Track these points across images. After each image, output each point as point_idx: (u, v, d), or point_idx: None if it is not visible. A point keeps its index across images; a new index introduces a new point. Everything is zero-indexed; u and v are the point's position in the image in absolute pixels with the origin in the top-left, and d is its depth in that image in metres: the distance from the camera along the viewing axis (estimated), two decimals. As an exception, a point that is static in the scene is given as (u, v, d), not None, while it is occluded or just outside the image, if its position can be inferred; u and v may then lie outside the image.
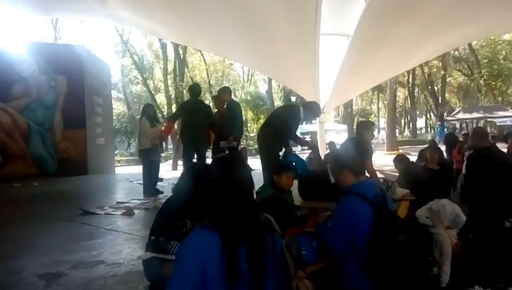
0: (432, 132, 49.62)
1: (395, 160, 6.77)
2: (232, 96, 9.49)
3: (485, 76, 42.32)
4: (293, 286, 2.27)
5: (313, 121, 15.27)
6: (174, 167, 22.56)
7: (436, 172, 6.01)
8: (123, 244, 5.84)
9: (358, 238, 3.11)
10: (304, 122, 6.40)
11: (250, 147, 30.22)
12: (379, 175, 8.11)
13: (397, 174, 6.86)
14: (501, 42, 45.41)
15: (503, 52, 46.34)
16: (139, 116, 10.56)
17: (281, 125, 5.50)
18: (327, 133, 23.51)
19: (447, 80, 46.34)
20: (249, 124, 41.77)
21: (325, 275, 3.31)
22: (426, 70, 41.04)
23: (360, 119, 46.01)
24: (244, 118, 42.11)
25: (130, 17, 9.92)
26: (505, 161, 5.63)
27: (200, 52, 39.50)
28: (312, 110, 5.95)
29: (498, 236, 5.27)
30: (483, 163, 5.24)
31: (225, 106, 8.73)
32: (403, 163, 6.54)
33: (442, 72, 41.44)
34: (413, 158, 7.48)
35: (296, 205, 5.03)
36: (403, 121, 58.84)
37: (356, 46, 11.35)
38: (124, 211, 8.10)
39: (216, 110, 9.59)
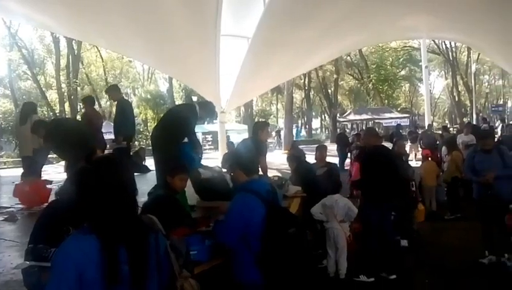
0: (326, 132, 52.28)
1: (288, 159, 7.05)
2: (128, 95, 9.20)
3: (373, 80, 45.64)
4: (178, 286, 2.28)
5: (214, 121, 15.33)
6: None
7: (326, 170, 6.38)
8: (3, 252, 5.43)
9: (252, 233, 3.22)
10: (206, 123, 6.38)
11: (149, 147, 29.41)
12: (275, 173, 8.42)
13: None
14: (388, 49, 49.31)
15: (390, 58, 50.38)
16: (19, 119, 9.10)
17: (176, 125, 5.43)
18: (228, 133, 23.81)
19: (340, 83, 49.08)
20: (149, 124, 40.68)
21: (220, 273, 3.36)
22: (321, 73, 43.07)
23: (259, 120, 47.19)
24: (143, 117, 41.05)
25: (18, 8, 9.20)
26: (393, 158, 6.13)
27: (97, 47, 37.70)
28: (208, 110, 5.96)
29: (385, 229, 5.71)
30: (377, 160, 5.65)
31: (115, 105, 8.42)
32: (295, 162, 6.83)
33: (335, 76, 43.85)
34: (309, 157, 7.82)
35: (192, 204, 5.02)
36: (300, 121, 61.32)
37: (255, 49, 11.64)
38: (6, 216, 7.50)
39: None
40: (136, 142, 33.17)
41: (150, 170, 13.91)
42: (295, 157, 7.23)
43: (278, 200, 3.69)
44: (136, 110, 44.32)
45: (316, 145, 8.30)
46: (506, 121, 26.84)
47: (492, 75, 61.19)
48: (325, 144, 15.76)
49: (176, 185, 4.03)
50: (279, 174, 8.74)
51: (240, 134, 31.58)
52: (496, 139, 9.17)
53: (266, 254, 3.17)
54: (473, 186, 6.29)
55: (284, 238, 3.23)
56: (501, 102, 55.67)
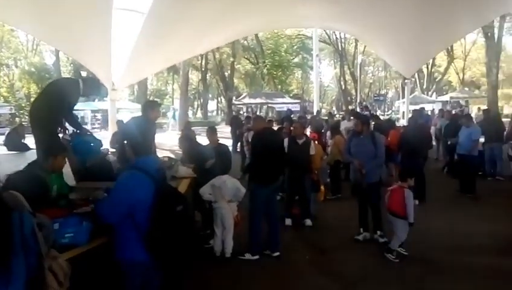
0: (222, 114, 52.58)
1: (179, 140, 6.98)
2: (10, 67, 8.38)
3: (268, 66, 46.72)
4: (46, 266, 2.17)
5: (105, 99, 14.56)
6: None
7: (216, 149, 6.44)
8: None
9: (139, 211, 3.16)
10: (96, 100, 6.04)
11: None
12: (168, 154, 8.28)
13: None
14: (283, 36, 50.74)
15: (285, 45, 51.89)
16: None
17: (57, 100, 5.07)
18: (120, 112, 22.85)
19: (236, 66, 49.58)
20: (31, 99, 37.53)
21: (102, 254, 3.25)
22: (218, 55, 43.01)
23: (154, 99, 45.95)
24: (26, 91, 37.79)
25: None
26: (278, 141, 6.36)
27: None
28: (92, 87, 5.66)
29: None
30: (263, 143, 5.82)
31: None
32: (187, 143, 6.79)
33: (231, 59, 44.12)
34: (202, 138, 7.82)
35: (72, 185, 4.76)
36: (196, 103, 60.90)
37: (151, 25, 11.24)
38: None
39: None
40: (17, 119, 30.60)
41: (30, 148, 12.89)
42: (187, 138, 7.18)
43: (167, 180, 3.65)
44: (18, 84, 40.62)
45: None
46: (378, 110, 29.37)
47: (376, 67, 65.81)
48: (220, 126, 15.86)
49: (56, 165, 3.79)
50: (172, 155, 8.62)
51: (132, 113, 30.49)
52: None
53: (153, 232, 3.14)
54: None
55: (171, 216, 3.21)
56: (383, 92, 60.50)
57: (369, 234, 6.47)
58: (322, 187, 8.10)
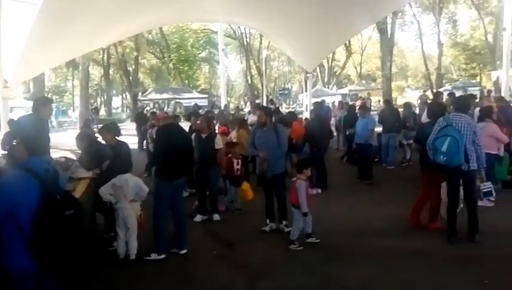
0: (128, 111, 50.85)
1: (77, 138, 6.60)
2: None
3: (174, 60, 45.97)
4: None
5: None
6: None
7: (115, 148, 6.17)
8: None
9: (23, 215, 2.90)
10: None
11: None
12: (66, 154, 7.81)
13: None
14: (189, 31, 50.22)
15: (190, 39, 51.39)
16: None
17: None
18: (14, 111, 21.09)
19: (141, 61, 48.24)
20: None
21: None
22: (120, 50, 41.50)
23: (52, 96, 43.22)
24: None
25: None
26: (185, 134, 6.28)
27: None
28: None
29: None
30: (168, 136, 5.69)
31: None
32: (86, 141, 6.45)
33: (135, 53, 42.77)
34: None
35: None
36: (99, 99, 58.23)
37: (46, 16, 10.47)
38: None
39: None
40: None
41: None
42: (86, 136, 6.81)
43: (58, 182, 3.40)
44: None
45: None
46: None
47: (281, 62, 67.49)
48: (125, 123, 15.29)
49: None
50: (72, 155, 8.14)
51: (28, 112, 28.37)
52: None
53: (38, 238, 2.91)
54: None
55: (59, 221, 3.00)
56: (288, 86, 62.38)
57: (275, 225, 6.63)
58: (246, 184, 7.93)
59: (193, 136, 7.45)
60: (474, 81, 48.00)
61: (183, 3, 15.35)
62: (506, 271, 4.80)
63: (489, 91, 16.71)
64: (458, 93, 19.41)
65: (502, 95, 14.75)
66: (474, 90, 30.70)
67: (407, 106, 12.86)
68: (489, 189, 6.60)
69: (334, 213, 7.49)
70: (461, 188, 5.88)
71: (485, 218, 6.03)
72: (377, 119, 11.36)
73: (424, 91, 31.33)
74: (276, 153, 6.49)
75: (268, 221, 6.67)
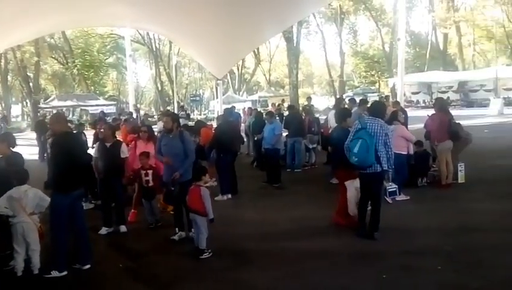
0: (28, 119, 47.57)
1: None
2: None
3: (78, 66, 43.89)
4: None
5: None
6: None
7: (8, 159, 5.74)
8: None
9: None
10: None
11: None
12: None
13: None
14: (94, 35, 48.24)
15: (97, 44, 49.40)
16: None
17: None
18: None
19: (42, 66, 45.49)
20: None
21: None
22: (19, 55, 38.74)
23: None
24: None
25: None
26: (81, 143, 5.99)
27: None
28: None
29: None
30: (63, 145, 5.36)
31: None
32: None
33: (36, 59, 40.17)
34: None
35: None
36: (-4, 107, 53.86)
37: None
38: None
39: None
40: None
41: None
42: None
43: None
44: None
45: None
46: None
47: (192, 68, 67.13)
48: (25, 132, 14.30)
49: None
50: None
51: None
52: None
53: None
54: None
55: None
56: (199, 92, 62.16)
57: (184, 233, 6.53)
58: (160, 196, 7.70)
59: (97, 145, 7.14)
60: (373, 87, 51.31)
61: (87, 7, 14.73)
62: (402, 266, 5.11)
63: (386, 97, 17.95)
64: (358, 99, 20.55)
65: (398, 100, 15.91)
66: (373, 96, 32.89)
67: (308, 110, 13.35)
68: (394, 189, 7.08)
69: (243, 218, 7.57)
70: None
71: (388, 214, 6.41)
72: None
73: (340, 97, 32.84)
74: (182, 160, 6.43)
75: (177, 230, 6.56)
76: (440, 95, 34.45)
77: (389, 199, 7.68)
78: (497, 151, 12.88)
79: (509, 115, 25.92)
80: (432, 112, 9.61)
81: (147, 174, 7.35)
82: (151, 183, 7.34)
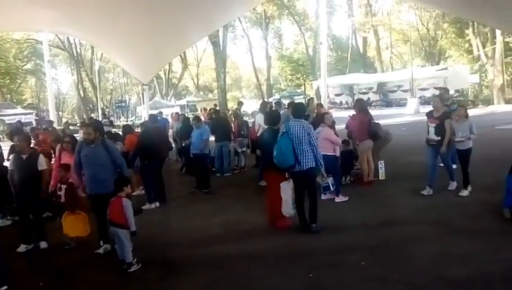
0: None
1: None
2: None
3: (-7, 73, 41.19)
4: None
5: None
6: None
7: None
8: None
9: None
10: None
11: None
12: None
13: None
14: (10, 41, 45.37)
15: (12, 50, 46.54)
16: None
17: None
18: None
19: (-50, 74, 42.19)
20: None
21: None
22: None
23: None
24: None
25: None
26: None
27: None
28: None
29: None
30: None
31: None
32: None
33: None
34: None
35: None
36: None
37: None
38: None
39: None
40: None
41: None
42: None
43: None
44: None
45: None
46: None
47: (117, 73, 65.28)
48: None
49: None
50: None
51: None
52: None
53: None
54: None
55: None
56: (125, 98, 60.51)
57: (109, 246, 6.25)
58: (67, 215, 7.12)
59: (12, 157, 6.70)
60: (299, 90, 52.59)
61: (1, 12, 13.88)
62: (329, 264, 5.26)
63: (311, 99, 18.49)
64: (286, 102, 21.06)
65: (321, 102, 16.44)
66: (299, 99, 33.74)
67: (237, 114, 13.43)
68: (327, 184, 7.34)
69: (172, 226, 7.45)
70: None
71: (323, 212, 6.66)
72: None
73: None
74: (109, 170, 6.18)
75: (102, 243, 6.29)
76: (361, 96, 36.17)
77: (341, 197, 8.03)
78: (414, 148, 13.60)
79: (425, 113, 27.52)
80: (353, 112, 10.04)
81: (60, 189, 6.89)
82: (62, 199, 6.83)
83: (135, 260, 5.55)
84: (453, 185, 8.15)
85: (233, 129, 12.43)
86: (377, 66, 52.90)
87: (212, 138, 11.42)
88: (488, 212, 6.60)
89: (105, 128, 9.95)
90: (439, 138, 7.74)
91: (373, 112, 15.00)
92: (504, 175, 6.55)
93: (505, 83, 36.45)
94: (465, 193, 7.73)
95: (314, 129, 6.96)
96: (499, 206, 6.47)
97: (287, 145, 6.22)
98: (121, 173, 6.19)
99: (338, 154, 8.57)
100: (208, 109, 23.13)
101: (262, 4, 40.07)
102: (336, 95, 42.30)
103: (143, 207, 8.27)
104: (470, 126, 7.73)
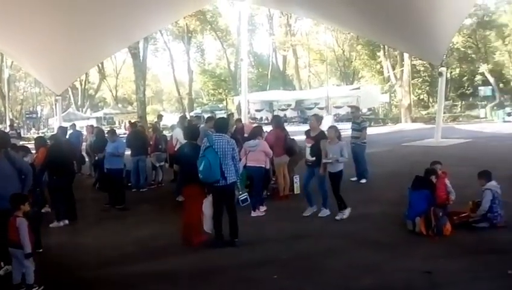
0: None
1: None
2: None
3: None
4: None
5: None
6: None
7: None
8: None
9: None
10: None
11: None
12: None
13: None
14: None
15: None
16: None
17: None
18: None
19: None
20: None
21: None
22: None
23: None
24: None
25: None
26: None
27: None
28: None
29: None
30: None
31: None
32: None
33: None
34: None
35: None
36: None
37: None
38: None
39: None
40: None
41: None
42: None
43: None
44: None
45: None
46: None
47: (28, 83, 61.49)
48: None
49: None
50: None
51: None
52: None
53: None
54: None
55: None
56: (37, 109, 57.05)
57: (11, 267, 5.81)
58: None
59: None
60: (221, 105, 52.91)
61: None
62: (242, 279, 5.27)
63: (231, 114, 18.64)
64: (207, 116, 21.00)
65: (241, 117, 16.66)
66: (221, 113, 33.89)
67: (156, 128, 13.18)
68: (245, 197, 7.34)
69: (81, 245, 7.05)
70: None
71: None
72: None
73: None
74: (17, 182, 5.76)
75: (2, 264, 5.80)
76: (280, 113, 37.14)
77: (258, 212, 8.08)
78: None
79: (339, 129, 28.76)
80: (270, 128, 10.26)
81: None
82: None
83: (36, 282, 5.12)
84: (324, 212, 7.76)
85: (151, 143, 12.15)
86: (296, 83, 54.66)
87: (128, 152, 11.09)
88: (393, 225, 6.99)
89: (13, 141, 9.30)
90: (314, 158, 7.64)
91: (291, 128, 15.44)
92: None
93: (412, 102, 39.34)
94: (339, 216, 7.49)
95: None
96: (403, 218, 6.88)
97: (215, 159, 6.21)
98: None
99: (268, 166, 8.75)
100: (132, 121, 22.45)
101: (184, 18, 39.97)
102: (257, 110, 42.98)
103: (51, 225, 7.84)
104: (341, 148, 7.41)
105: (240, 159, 8.12)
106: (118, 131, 13.69)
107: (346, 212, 7.53)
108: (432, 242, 6.08)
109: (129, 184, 11.31)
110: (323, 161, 7.41)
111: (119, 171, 9.89)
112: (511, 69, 44.91)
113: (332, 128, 7.87)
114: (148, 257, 6.34)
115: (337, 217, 7.49)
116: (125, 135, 14.97)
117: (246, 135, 10.24)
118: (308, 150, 7.84)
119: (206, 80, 60.53)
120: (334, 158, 7.31)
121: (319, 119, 8.67)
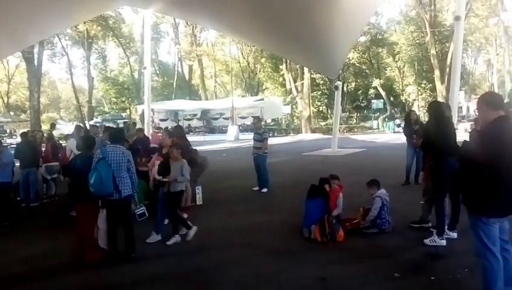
0: None
1: None
2: None
3: None
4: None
5: None
6: None
7: None
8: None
9: None
10: None
11: None
12: None
13: None
14: None
15: None
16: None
17: None
18: None
19: None
20: None
21: None
22: None
23: None
24: None
25: None
26: None
27: None
28: None
29: None
30: None
31: None
32: None
33: None
34: None
35: None
36: None
37: None
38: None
39: None
40: None
41: None
42: None
43: None
44: None
45: None
46: None
47: None
48: None
49: None
50: None
51: None
52: None
53: None
54: None
55: None
56: None
57: None
58: None
59: None
60: (124, 114, 51.25)
61: None
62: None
63: (132, 124, 18.06)
64: (109, 125, 20.25)
65: (144, 126, 16.26)
66: (122, 123, 32.82)
67: (50, 137, 12.39)
68: (142, 211, 7.02)
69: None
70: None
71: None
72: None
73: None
74: None
75: None
76: (186, 122, 36.86)
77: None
78: (232, 173, 14.34)
79: (244, 140, 29.32)
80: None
81: None
82: None
83: None
84: (153, 238, 7.05)
85: (43, 154, 11.35)
86: (201, 93, 54.65)
87: (17, 164, 10.26)
88: (292, 233, 7.18)
89: None
90: (160, 177, 7.13)
91: (197, 137, 15.32)
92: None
93: (312, 114, 41.26)
94: (172, 241, 6.93)
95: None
96: (300, 226, 7.11)
97: (107, 172, 5.93)
98: None
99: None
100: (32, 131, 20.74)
101: (84, 23, 38.21)
102: (161, 120, 42.23)
103: None
104: (182, 168, 7.05)
105: (151, 170, 8.03)
106: (10, 141, 12.65)
107: (191, 233, 7.01)
108: (326, 249, 6.35)
109: (17, 199, 10.47)
110: (162, 179, 7.02)
111: (6, 185, 9.12)
112: (400, 84, 49.10)
113: (173, 146, 7.46)
114: (37, 276, 5.90)
115: (169, 242, 6.88)
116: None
117: (155, 146, 10.04)
118: (155, 168, 7.51)
119: (108, 87, 58.26)
120: (172, 177, 6.92)
121: (171, 135, 8.71)
